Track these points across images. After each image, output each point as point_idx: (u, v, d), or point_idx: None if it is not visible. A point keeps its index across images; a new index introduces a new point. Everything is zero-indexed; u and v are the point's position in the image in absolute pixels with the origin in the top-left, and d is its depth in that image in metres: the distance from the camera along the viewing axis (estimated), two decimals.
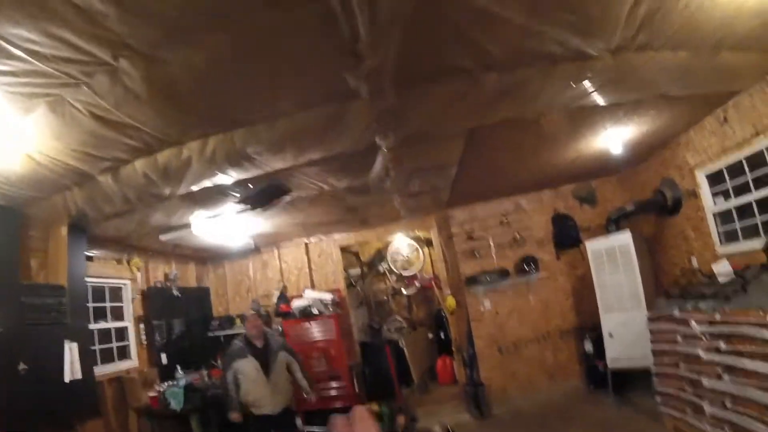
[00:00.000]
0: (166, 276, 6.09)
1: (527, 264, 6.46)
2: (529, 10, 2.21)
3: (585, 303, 6.20)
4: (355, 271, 7.65)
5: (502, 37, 2.40)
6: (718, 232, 4.83)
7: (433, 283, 7.29)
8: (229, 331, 6.45)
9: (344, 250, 7.27)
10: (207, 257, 6.83)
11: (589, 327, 5.96)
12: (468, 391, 6.10)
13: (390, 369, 6.49)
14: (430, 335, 7.51)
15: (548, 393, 6.08)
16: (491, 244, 6.58)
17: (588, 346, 5.89)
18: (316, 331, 6.12)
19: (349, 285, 7.52)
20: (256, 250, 6.65)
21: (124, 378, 5.30)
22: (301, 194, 4.44)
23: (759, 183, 4.22)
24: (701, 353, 3.59)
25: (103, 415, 4.92)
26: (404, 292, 7.61)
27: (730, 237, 4.73)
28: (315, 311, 6.12)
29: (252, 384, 4.25)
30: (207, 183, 3.55)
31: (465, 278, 6.46)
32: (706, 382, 3.55)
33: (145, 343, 5.69)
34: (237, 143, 3.02)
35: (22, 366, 3.81)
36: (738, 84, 3.86)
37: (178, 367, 5.59)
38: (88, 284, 4.79)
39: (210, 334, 6.51)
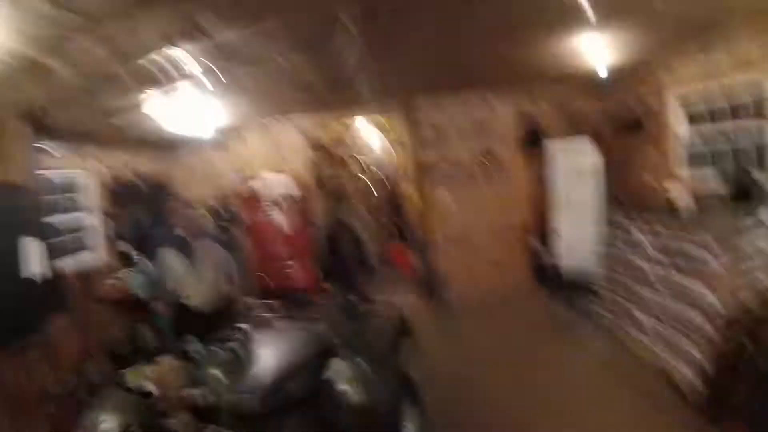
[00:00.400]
0: (128, 167, 5.89)
1: (488, 159, 6.54)
2: None
3: (541, 203, 6.41)
4: (321, 160, 7.47)
5: None
6: (679, 155, 4.91)
7: (396, 172, 7.27)
8: None
9: (310, 138, 7.03)
10: (168, 145, 6.53)
11: (542, 226, 6.25)
12: (421, 276, 6.40)
13: (347, 252, 6.66)
14: (389, 222, 7.66)
15: (497, 284, 6.38)
16: (455, 136, 6.54)
17: (539, 245, 6.18)
18: (278, 215, 6.14)
19: (314, 174, 7.38)
20: (218, 135, 6.32)
21: (90, 270, 5.25)
22: (259, 70, 4.13)
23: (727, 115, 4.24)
24: (644, 264, 3.88)
25: (71, 310, 4.84)
26: (366, 180, 7.58)
27: (690, 161, 4.84)
28: (278, 196, 6.07)
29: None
30: (160, 58, 3.30)
31: (425, 168, 6.52)
32: (644, 291, 3.89)
33: (109, 234, 5.60)
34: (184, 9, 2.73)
35: None
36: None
37: (143, 257, 5.39)
38: (47, 178, 4.62)
39: None
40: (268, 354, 2.53)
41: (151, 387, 2.32)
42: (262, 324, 2.91)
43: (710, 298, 3.10)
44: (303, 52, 3.92)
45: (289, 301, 4.98)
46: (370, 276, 7.10)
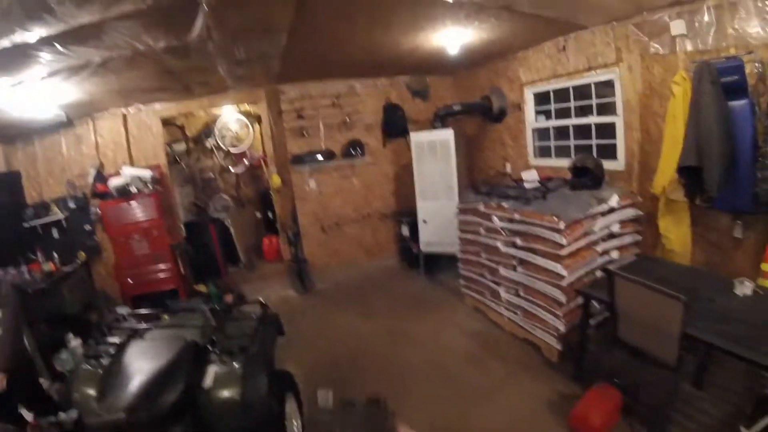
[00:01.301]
0: None
1: (354, 148, 6.67)
2: None
3: (405, 189, 6.77)
4: (180, 146, 6.95)
5: None
6: (534, 146, 5.55)
7: (262, 161, 7.06)
8: (45, 219, 5.71)
9: (167, 123, 6.51)
10: (15, 135, 5.60)
11: (407, 212, 6.58)
12: (293, 267, 6.39)
13: (215, 248, 6.42)
14: (258, 214, 7.46)
15: (367, 269, 6.74)
16: (321, 124, 6.56)
17: (405, 230, 6.54)
18: (135, 211, 5.63)
19: (174, 161, 6.89)
20: (68, 122, 5.57)
21: None
22: (113, 54, 3.75)
23: (580, 111, 4.84)
24: (500, 246, 4.26)
25: None
26: (232, 169, 7.25)
27: (543, 152, 5.48)
28: (134, 189, 5.57)
29: None
30: (5, 42, 2.88)
31: (291, 157, 6.46)
32: (502, 271, 4.28)
33: None
34: None
35: None
36: (585, 19, 4.18)
37: None
38: None
39: (25, 224, 5.68)
40: (140, 366, 2.42)
41: (24, 414, 2.15)
42: (133, 335, 2.79)
43: (563, 272, 3.54)
44: (163, 37, 3.67)
45: (160, 304, 4.72)
46: (240, 268, 6.94)
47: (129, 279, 5.66)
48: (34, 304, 4.97)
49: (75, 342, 5.17)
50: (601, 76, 4.47)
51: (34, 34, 2.87)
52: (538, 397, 3.40)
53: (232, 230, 6.84)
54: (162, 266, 5.73)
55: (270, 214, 7.16)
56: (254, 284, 6.51)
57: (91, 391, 2.26)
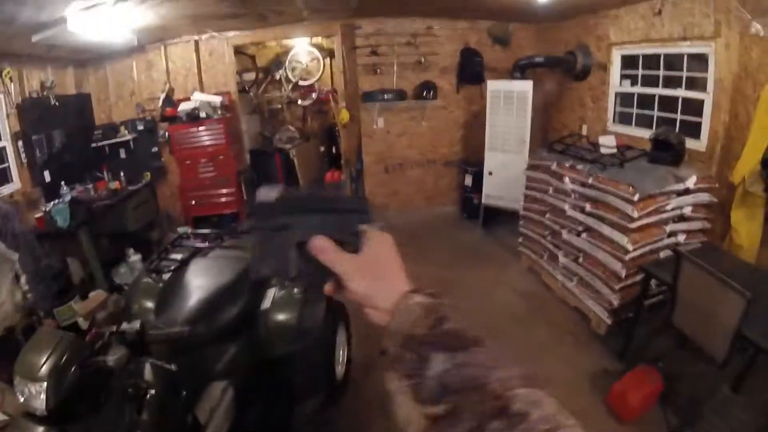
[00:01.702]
0: (42, 84, 5.18)
1: (426, 90, 6.42)
2: None
3: (474, 138, 6.52)
4: (250, 76, 7.03)
5: None
6: (615, 111, 5.13)
7: (330, 96, 7.03)
8: (113, 140, 5.95)
9: (239, 51, 6.54)
10: (86, 59, 5.81)
11: (473, 162, 6.38)
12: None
13: (279, 177, 6.60)
14: (322, 148, 7.54)
15: (424, 215, 6.70)
16: (395, 63, 6.34)
17: (468, 179, 6.39)
18: (204, 135, 5.81)
19: (242, 90, 6.98)
20: (140, 48, 5.72)
21: (8, 203, 4.75)
22: None
23: (668, 82, 4.41)
24: (567, 209, 4.07)
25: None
26: (300, 102, 7.29)
27: (624, 119, 5.06)
28: (203, 114, 5.75)
29: None
30: None
31: (362, 93, 6.34)
32: (565, 235, 4.11)
33: (25, 161, 5.12)
34: None
35: None
36: None
37: (63, 183, 5.22)
38: None
39: (93, 144, 5.95)
40: (200, 283, 2.47)
41: (81, 323, 2.24)
42: (195, 253, 2.79)
43: (628, 246, 3.37)
44: None
45: (220, 227, 4.92)
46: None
47: (192, 201, 5.91)
48: (98, 219, 5.25)
49: (135, 257, 5.58)
50: (696, 48, 3.99)
51: None
52: (580, 367, 3.35)
53: (295, 162, 6.97)
54: (225, 190, 5.94)
55: (334, 150, 7.21)
56: None
57: (150, 304, 2.26)
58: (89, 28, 4.11)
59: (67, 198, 5.15)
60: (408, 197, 6.85)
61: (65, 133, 5.58)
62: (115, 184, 5.59)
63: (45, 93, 5.26)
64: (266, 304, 2.51)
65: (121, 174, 5.70)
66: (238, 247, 2.93)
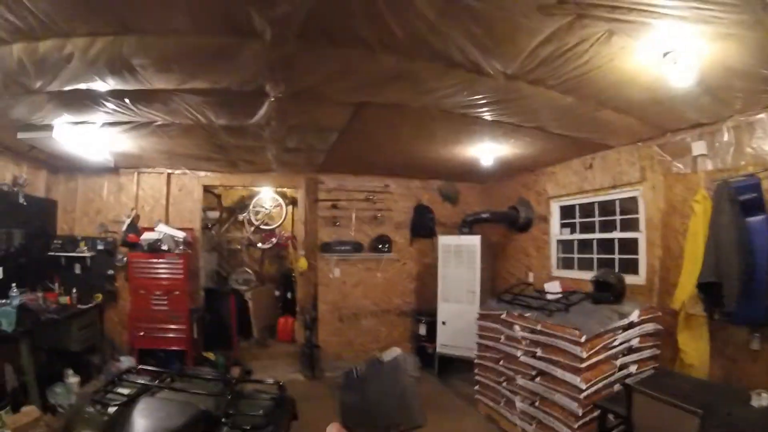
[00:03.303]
0: (15, 179, 5.25)
1: (382, 243, 6.82)
2: (440, 10, 2.25)
3: (426, 289, 6.78)
4: (214, 214, 7.31)
5: (409, 24, 2.40)
6: (557, 257, 5.62)
7: (290, 242, 7.27)
8: (71, 253, 5.86)
9: (207, 190, 6.90)
10: (61, 166, 5.99)
11: (426, 311, 6.53)
12: (305, 351, 6.28)
13: (231, 319, 6.42)
14: (277, 293, 7.52)
15: None
16: (353, 216, 6.80)
17: (422, 329, 6.45)
18: (162, 268, 5.76)
19: (205, 227, 7.18)
20: (114, 169, 5.95)
21: None
22: (174, 121, 4.13)
23: (604, 226, 4.99)
24: (520, 355, 4.15)
25: None
26: (259, 245, 7.47)
27: (566, 263, 5.54)
28: (164, 247, 5.75)
29: None
30: (81, 85, 3.19)
31: (321, 244, 6.63)
32: (520, 380, 4.14)
33: None
34: (124, 51, 2.73)
35: None
36: (611, 140, 4.47)
37: (13, 286, 5.02)
38: None
39: (51, 253, 5.85)
40: (148, 425, 2.33)
41: None
42: (143, 391, 2.71)
43: (581, 385, 3.44)
44: (225, 117, 4.05)
45: (166, 363, 4.67)
46: (252, 344, 6.84)
47: (141, 332, 5.66)
48: (43, 332, 5.00)
49: (73, 379, 5.27)
50: (626, 193, 4.64)
51: (108, 85, 3.18)
52: None
53: (250, 304, 6.87)
54: (176, 326, 5.72)
55: (289, 295, 7.19)
56: (263, 362, 6.40)
57: None
58: (72, 141, 4.33)
59: (16, 301, 4.90)
60: (362, 346, 6.74)
61: (25, 234, 5.43)
62: (65, 299, 5.39)
63: (15, 189, 5.24)
64: None
65: (74, 290, 5.52)
66: (189, 390, 2.83)
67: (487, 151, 4.92)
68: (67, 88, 3.22)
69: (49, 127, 4.13)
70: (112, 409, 2.42)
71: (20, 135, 4.30)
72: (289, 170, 6.41)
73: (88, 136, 4.40)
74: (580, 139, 4.35)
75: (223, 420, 2.52)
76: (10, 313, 4.63)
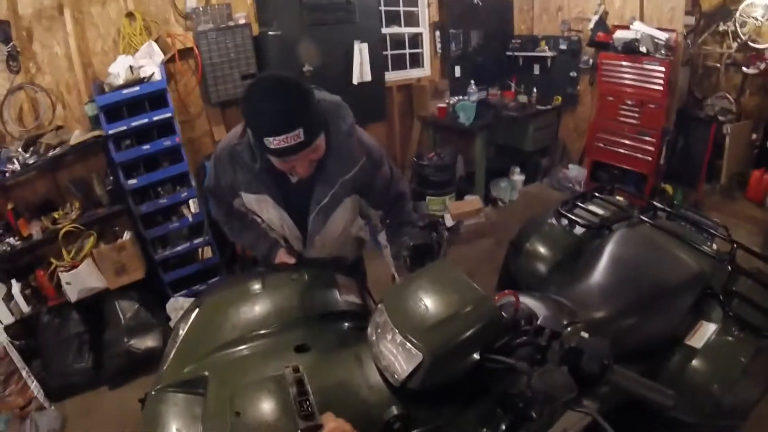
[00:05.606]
0: None
1: None
2: None
3: None
4: (689, 19, 5.47)
5: None
6: None
7: None
8: (530, 53, 5.63)
9: None
10: None
11: None
12: None
13: (706, 152, 5.07)
14: (754, 135, 5.52)
15: None
16: None
17: None
18: (639, 74, 4.75)
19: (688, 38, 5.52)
20: None
21: (414, 86, 5.29)
22: None
23: None
24: None
25: (387, 119, 5.10)
26: (744, 69, 5.41)
27: None
28: (643, 49, 4.64)
29: None
30: None
31: None
32: None
33: (439, 52, 5.43)
34: None
35: (306, 67, 3.92)
36: None
37: (472, 82, 5.32)
38: None
39: (508, 53, 5.83)
40: (629, 264, 1.78)
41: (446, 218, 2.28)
42: (623, 218, 2.10)
43: None
44: None
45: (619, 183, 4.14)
46: (715, 190, 5.37)
47: (600, 143, 5.15)
48: (499, 128, 5.32)
49: (519, 177, 5.65)
50: None
51: None
52: None
53: (726, 140, 5.20)
54: (642, 146, 4.89)
55: None
56: (722, 218, 4.76)
57: (552, 255, 2.02)
58: None
59: (474, 97, 5.19)
60: None
61: (482, 35, 5.57)
62: (524, 99, 5.37)
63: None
64: (694, 340, 1.64)
65: (533, 90, 5.41)
66: (679, 236, 1.92)
67: None
68: None
69: None
70: (579, 230, 2.07)
71: None
72: None
73: None
74: None
75: (719, 296, 1.71)
76: (469, 108, 4.87)
